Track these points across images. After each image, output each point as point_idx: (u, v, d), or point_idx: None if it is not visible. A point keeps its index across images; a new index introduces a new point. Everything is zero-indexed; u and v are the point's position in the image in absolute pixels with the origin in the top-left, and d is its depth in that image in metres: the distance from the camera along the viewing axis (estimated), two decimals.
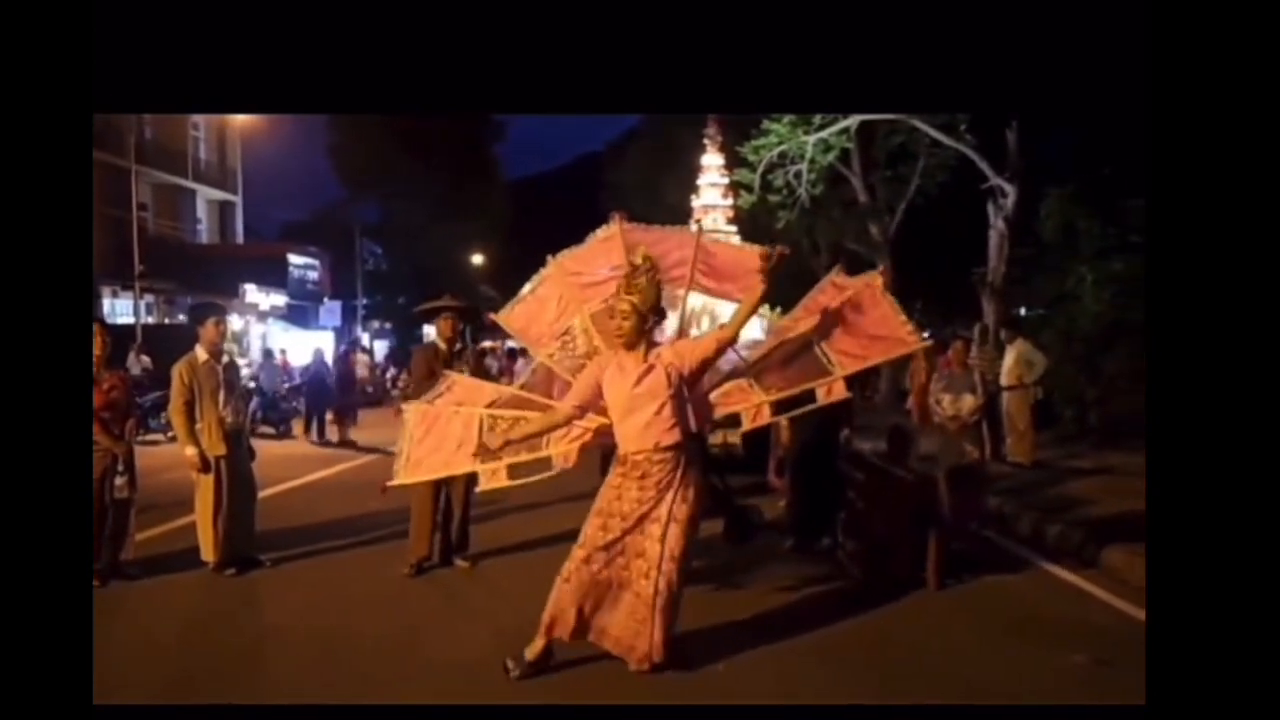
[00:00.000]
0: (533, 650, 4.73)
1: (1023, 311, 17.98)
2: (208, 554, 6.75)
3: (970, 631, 5.52)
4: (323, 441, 16.22)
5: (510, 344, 34.22)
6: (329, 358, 19.03)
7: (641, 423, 4.63)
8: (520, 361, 18.78)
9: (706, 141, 20.93)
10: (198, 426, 6.68)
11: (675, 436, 4.65)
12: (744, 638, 5.24)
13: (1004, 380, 11.90)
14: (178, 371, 6.71)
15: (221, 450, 6.71)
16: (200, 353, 6.80)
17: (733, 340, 4.91)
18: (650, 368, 4.68)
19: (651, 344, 4.80)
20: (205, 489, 6.73)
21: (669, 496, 4.64)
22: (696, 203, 21.04)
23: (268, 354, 21.80)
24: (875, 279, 5.81)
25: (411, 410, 5.80)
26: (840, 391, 6.00)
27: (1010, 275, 16.53)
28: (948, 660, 5.05)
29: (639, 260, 4.86)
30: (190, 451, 6.65)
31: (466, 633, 5.55)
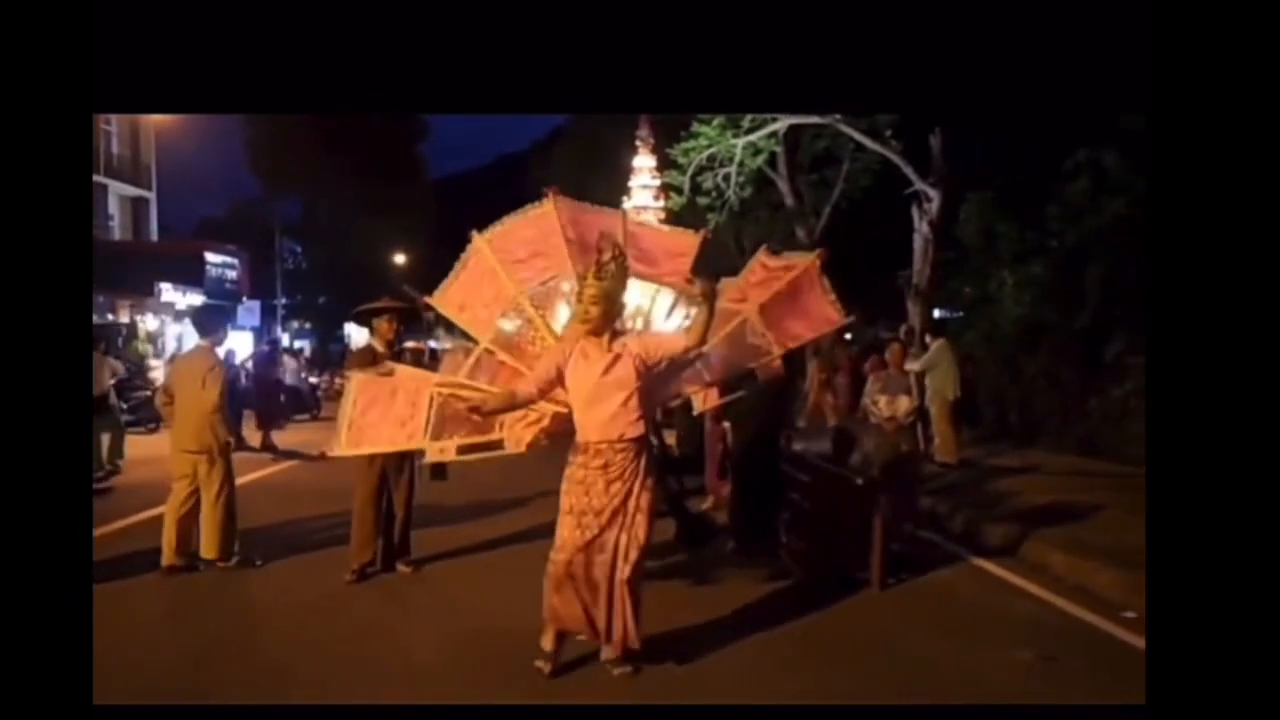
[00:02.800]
0: (548, 640, 4.79)
1: (939, 313, 18.37)
2: (216, 551, 6.91)
3: (916, 630, 5.63)
4: (240, 448, 15.55)
5: (433, 344, 33.86)
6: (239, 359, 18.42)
7: (607, 413, 4.63)
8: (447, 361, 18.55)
9: (639, 143, 21.03)
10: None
11: (640, 429, 4.67)
12: (696, 639, 5.28)
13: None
14: (220, 365, 7.11)
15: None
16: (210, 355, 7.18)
17: (699, 345, 4.86)
18: (617, 357, 4.66)
19: (615, 333, 4.78)
20: (221, 485, 6.95)
21: (634, 487, 4.66)
22: (628, 204, 21.16)
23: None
24: (814, 261, 5.95)
25: (355, 379, 5.67)
26: (778, 368, 6.37)
27: (934, 278, 16.89)
28: (898, 659, 5.15)
29: (608, 248, 4.78)
30: (232, 438, 7.11)
31: (416, 637, 5.50)
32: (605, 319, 4.68)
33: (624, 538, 4.64)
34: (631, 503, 4.65)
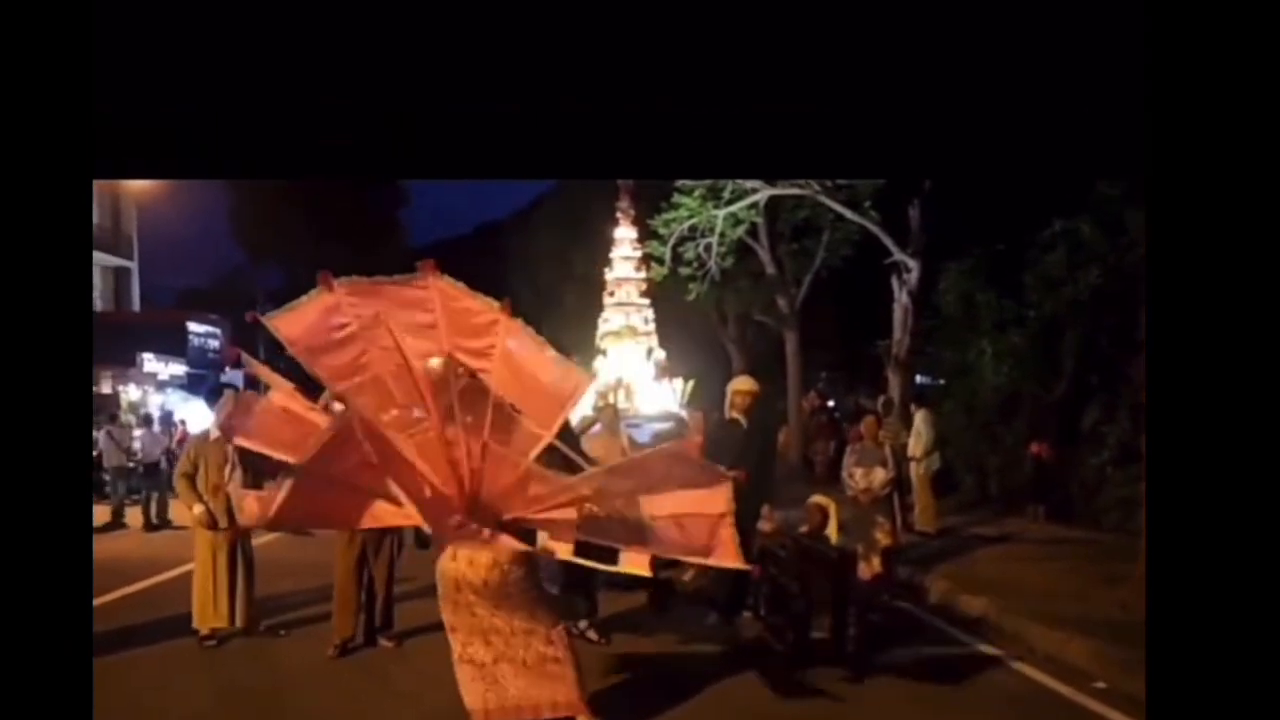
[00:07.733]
0: None
1: (919, 380, 18.52)
2: (204, 622, 7.05)
3: (891, 700, 5.66)
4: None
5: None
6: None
7: None
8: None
9: (619, 215, 21.21)
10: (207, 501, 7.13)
11: None
12: (674, 709, 5.33)
13: (910, 451, 12.28)
14: (191, 445, 7.52)
15: (226, 522, 7.04)
16: (211, 430, 7.27)
17: None
18: None
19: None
20: (205, 558, 7.11)
21: None
22: (610, 275, 21.27)
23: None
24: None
25: None
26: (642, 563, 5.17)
27: (914, 347, 17.06)
28: None
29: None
30: (198, 509, 7.10)
31: (397, 711, 5.52)
32: None
33: None
34: None
